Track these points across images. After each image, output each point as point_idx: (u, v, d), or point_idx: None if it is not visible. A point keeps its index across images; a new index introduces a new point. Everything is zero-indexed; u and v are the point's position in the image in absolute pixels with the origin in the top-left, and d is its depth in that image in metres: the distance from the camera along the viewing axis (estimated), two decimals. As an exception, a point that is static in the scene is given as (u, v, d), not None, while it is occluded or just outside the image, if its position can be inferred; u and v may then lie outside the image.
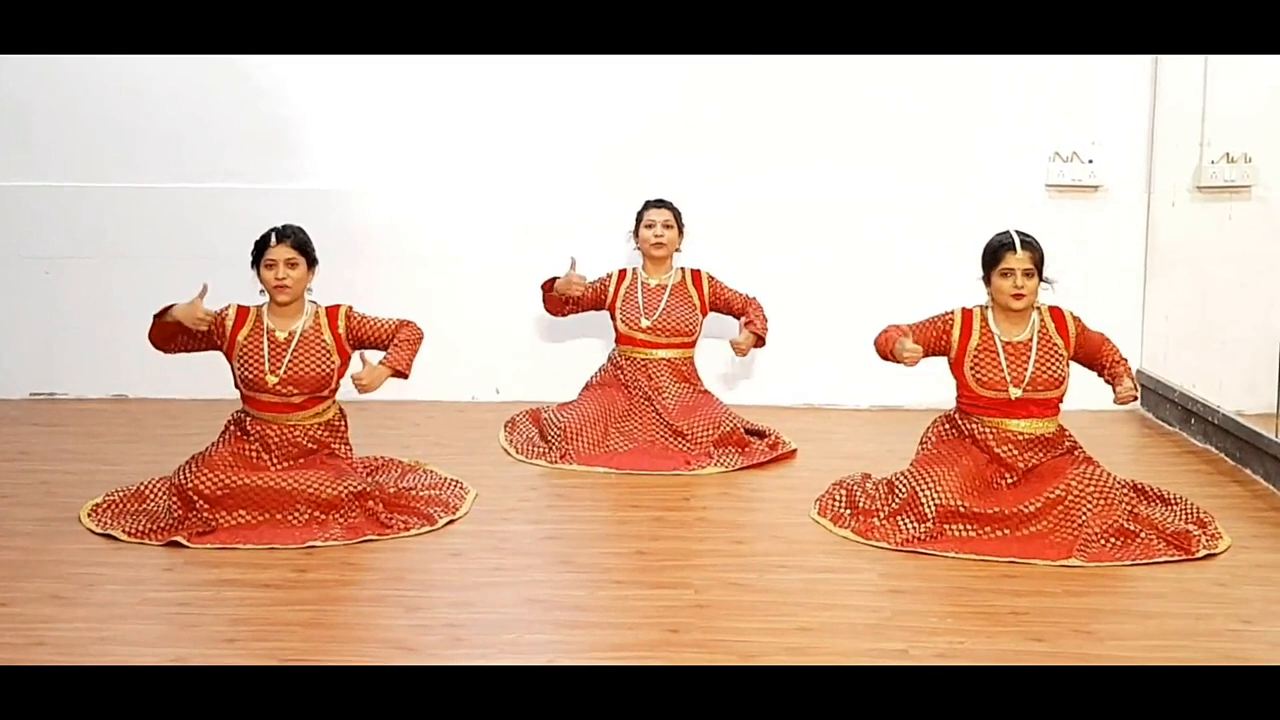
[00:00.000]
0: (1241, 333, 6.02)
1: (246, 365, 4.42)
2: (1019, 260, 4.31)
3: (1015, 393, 4.32)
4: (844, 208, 6.15)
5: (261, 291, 4.47)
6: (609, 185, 6.08)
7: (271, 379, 4.40)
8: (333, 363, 4.47)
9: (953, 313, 4.46)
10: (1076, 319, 4.44)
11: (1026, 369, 4.33)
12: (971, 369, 4.38)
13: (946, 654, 3.34)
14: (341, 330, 4.49)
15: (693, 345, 5.53)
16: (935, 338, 4.44)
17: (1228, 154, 5.96)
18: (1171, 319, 6.09)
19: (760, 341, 5.40)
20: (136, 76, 6.06)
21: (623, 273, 5.54)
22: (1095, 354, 4.43)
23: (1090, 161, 6.07)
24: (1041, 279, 4.36)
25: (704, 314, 5.53)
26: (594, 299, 5.50)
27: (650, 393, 5.34)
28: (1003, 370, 4.34)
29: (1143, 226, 6.13)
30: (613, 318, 5.53)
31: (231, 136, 6.14)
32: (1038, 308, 4.41)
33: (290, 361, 4.41)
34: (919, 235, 6.09)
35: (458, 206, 6.21)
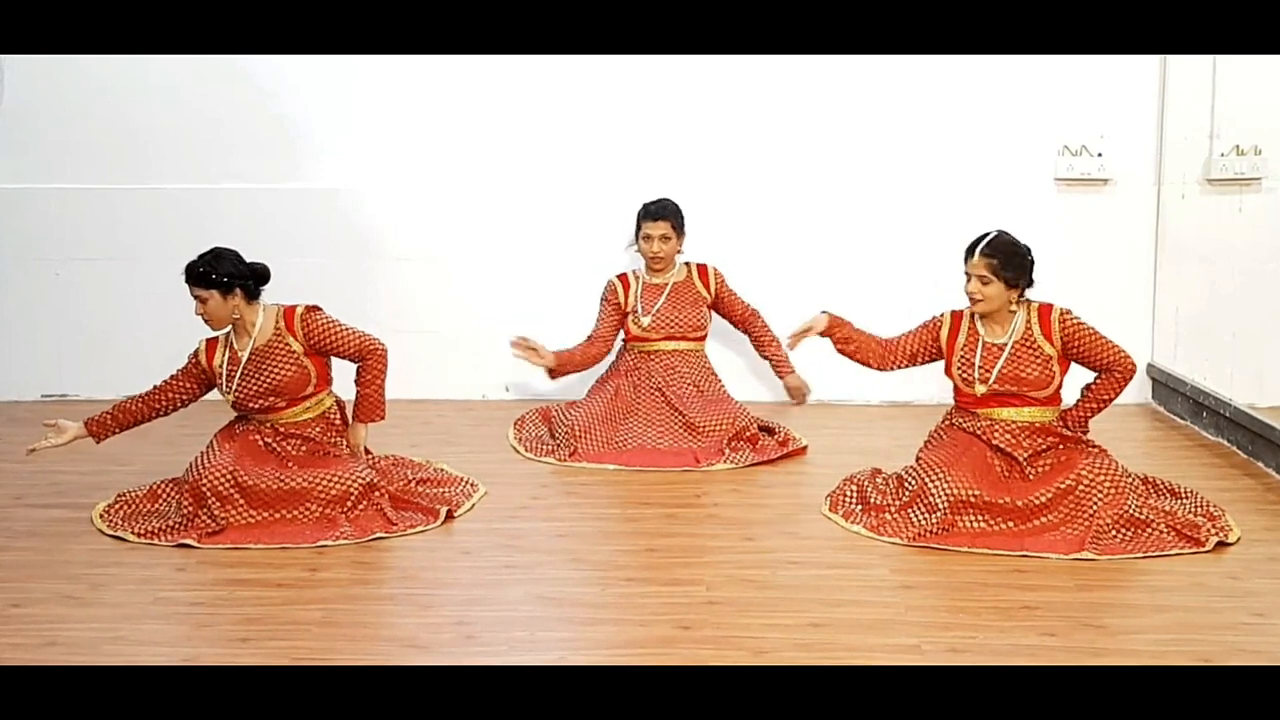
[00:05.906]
0: (1253, 325, 6.01)
1: (221, 386, 4.45)
2: (972, 266, 4.31)
3: (980, 389, 4.34)
4: (853, 202, 6.14)
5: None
6: (617, 180, 6.07)
7: (229, 398, 4.43)
8: (301, 365, 4.42)
9: (943, 315, 4.49)
10: (1065, 318, 4.31)
11: (994, 368, 4.33)
12: (957, 368, 4.41)
13: (958, 649, 3.34)
14: (299, 336, 4.42)
15: (701, 340, 5.52)
16: (928, 341, 4.48)
17: (1237, 146, 5.94)
18: (1182, 312, 6.08)
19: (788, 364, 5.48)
20: (144, 78, 6.06)
21: (625, 280, 5.50)
22: (1088, 364, 4.38)
23: (1099, 155, 6.04)
24: (1011, 284, 4.28)
25: (711, 308, 5.53)
26: (611, 332, 5.47)
27: (661, 385, 5.34)
28: (973, 368, 4.35)
29: (1152, 219, 6.10)
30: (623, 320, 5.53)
31: (240, 137, 6.14)
32: (1026, 307, 4.36)
33: (241, 379, 4.40)
34: (928, 230, 6.07)
35: (466, 205, 6.21)
